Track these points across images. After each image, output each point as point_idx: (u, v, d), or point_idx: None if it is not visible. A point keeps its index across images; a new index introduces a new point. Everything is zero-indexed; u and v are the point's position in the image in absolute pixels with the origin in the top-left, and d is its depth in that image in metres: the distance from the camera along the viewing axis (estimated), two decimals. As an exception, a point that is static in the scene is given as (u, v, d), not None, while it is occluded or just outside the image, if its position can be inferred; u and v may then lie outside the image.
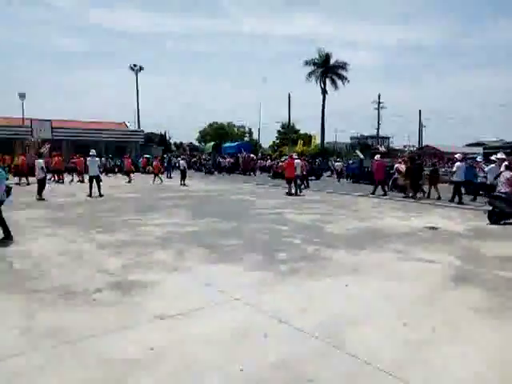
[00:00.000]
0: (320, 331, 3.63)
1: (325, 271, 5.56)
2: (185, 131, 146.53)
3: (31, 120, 33.04)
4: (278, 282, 5.08)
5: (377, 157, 17.48)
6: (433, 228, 8.95)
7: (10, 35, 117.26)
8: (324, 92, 46.30)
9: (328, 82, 46.38)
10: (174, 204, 12.98)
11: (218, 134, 64.84)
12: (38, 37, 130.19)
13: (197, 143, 69.48)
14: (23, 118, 34.86)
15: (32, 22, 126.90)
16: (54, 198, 13.95)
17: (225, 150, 41.92)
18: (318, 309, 4.21)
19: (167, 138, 64.50)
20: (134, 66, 40.34)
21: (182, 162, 22.96)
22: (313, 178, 25.39)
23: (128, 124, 44.01)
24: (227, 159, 36.05)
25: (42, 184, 14.01)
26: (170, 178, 27.39)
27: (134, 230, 8.44)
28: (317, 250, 6.78)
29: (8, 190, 7.40)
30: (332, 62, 46.06)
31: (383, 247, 7.05)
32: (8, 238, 7.08)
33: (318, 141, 48.96)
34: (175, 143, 66.07)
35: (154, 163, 24.59)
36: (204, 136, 68.16)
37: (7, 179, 8.80)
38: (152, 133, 55.59)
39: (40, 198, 13.73)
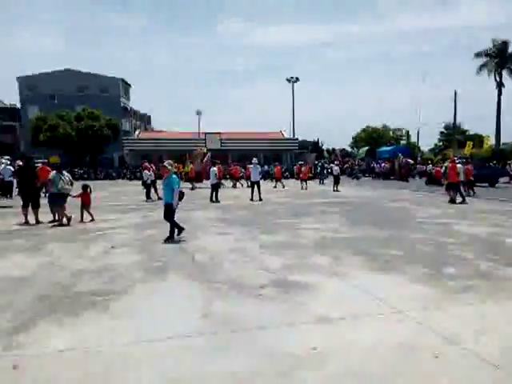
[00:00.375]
0: (501, 360, 3.17)
1: (505, 293, 4.81)
2: (337, 136, 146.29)
3: (205, 133, 38.42)
4: (446, 298, 4.63)
5: None
6: None
7: (179, 59, 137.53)
8: (500, 85, 40.15)
9: (505, 73, 40.06)
10: (328, 209, 13.10)
11: (371, 138, 62.68)
12: (199, 59, 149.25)
13: (349, 149, 68.59)
14: (199, 132, 40.74)
15: (195, 46, 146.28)
16: (222, 202, 15.69)
17: (380, 155, 40.30)
18: (498, 335, 3.67)
19: (320, 144, 65.61)
20: (291, 77, 42.35)
21: (335, 167, 23.02)
22: (485, 184, 22.25)
23: (284, 132, 46.47)
24: (382, 164, 34.54)
25: (215, 188, 15.97)
26: (323, 183, 27.71)
27: (290, 232, 8.86)
28: (494, 267, 5.91)
29: (181, 196, 8.27)
30: (510, 50, 39.63)
31: None
32: (180, 233, 8.12)
33: (491, 142, 42.55)
34: (327, 149, 66.61)
35: (303, 169, 25.27)
36: (357, 141, 66.76)
37: None
38: (305, 140, 57.33)
39: (216, 200, 15.69)
